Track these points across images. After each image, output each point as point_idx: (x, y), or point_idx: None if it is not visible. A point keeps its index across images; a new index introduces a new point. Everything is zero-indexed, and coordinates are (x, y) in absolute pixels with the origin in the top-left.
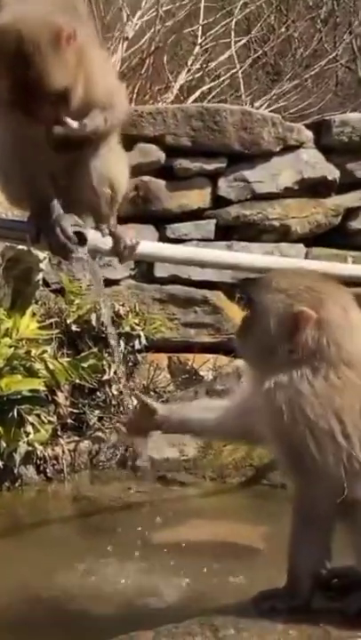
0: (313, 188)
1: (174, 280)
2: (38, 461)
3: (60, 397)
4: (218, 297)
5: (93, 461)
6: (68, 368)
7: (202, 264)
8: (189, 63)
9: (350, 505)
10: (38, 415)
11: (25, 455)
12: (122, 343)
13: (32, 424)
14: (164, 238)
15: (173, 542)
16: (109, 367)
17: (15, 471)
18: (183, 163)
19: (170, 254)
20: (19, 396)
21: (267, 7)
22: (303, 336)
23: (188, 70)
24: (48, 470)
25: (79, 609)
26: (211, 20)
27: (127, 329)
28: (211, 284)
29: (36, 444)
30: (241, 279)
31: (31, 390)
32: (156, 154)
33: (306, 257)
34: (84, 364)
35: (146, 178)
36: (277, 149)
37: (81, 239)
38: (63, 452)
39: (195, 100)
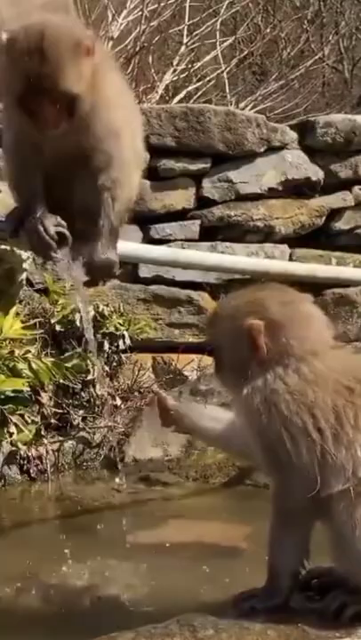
0: (297, 189)
1: (159, 280)
2: (22, 461)
3: (44, 397)
4: (202, 297)
5: (77, 461)
6: (52, 368)
7: (187, 266)
8: (175, 63)
9: (326, 501)
10: (22, 415)
11: (8, 455)
12: (106, 343)
13: (15, 424)
14: (148, 238)
15: (157, 542)
16: (93, 367)
17: None
18: (167, 163)
19: (156, 256)
20: (2, 396)
21: (253, 7)
22: (262, 344)
23: (174, 70)
24: (32, 470)
25: (60, 609)
26: (197, 19)
27: (111, 329)
28: (195, 285)
29: (20, 444)
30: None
31: (15, 390)
32: None
33: (290, 258)
34: (68, 364)
35: None
36: (262, 150)
37: (62, 239)
38: (47, 452)
39: (180, 101)
